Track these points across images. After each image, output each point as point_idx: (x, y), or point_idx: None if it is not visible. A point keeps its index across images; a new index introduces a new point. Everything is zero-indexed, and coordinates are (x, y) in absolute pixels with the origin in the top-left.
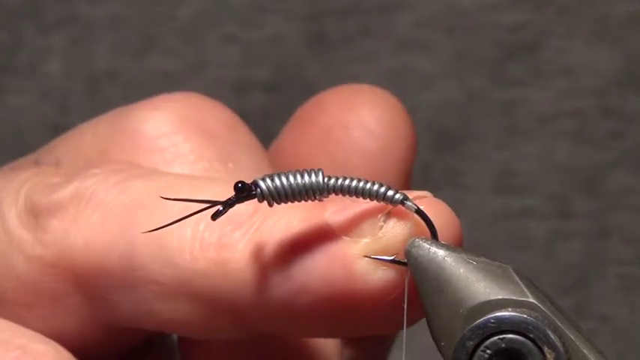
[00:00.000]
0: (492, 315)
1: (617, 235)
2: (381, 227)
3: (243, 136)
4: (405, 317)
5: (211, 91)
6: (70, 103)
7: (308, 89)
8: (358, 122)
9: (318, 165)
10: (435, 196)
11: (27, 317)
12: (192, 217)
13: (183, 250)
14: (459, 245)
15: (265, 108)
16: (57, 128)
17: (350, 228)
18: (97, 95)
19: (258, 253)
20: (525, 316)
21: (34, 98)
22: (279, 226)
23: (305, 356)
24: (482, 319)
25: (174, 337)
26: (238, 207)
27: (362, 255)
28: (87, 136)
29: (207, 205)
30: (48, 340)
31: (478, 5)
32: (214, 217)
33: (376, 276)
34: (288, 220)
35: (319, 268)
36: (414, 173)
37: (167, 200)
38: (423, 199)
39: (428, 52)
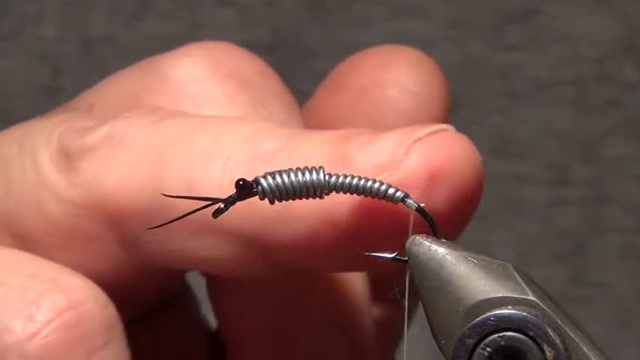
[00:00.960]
0: (492, 313)
1: (615, 202)
2: (401, 161)
3: (276, 85)
4: (405, 318)
5: None
6: (63, 67)
7: (304, 53)
8: (394, 81)
9: (352, 123)
10: None
11: (59, 259)
12: (221, 153)
13: (212, 187)
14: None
15: None
16: (48, 91)
17: (371, 162)
18: (91, 59)
19: None
20: (525, 314)
21: (24, 61)
22: (306, 163)
23: (334, 303)
24: (481, 317)
25: (197, 292)
26: (263, 145)
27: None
28: (119, 84)
29: (209, 202)
30: (79, 274)
31: None
32: (215, 214)
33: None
34: (314, 156)
35: (343, 203)
36: None
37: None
38: (443, 133)
39: (425, 17)
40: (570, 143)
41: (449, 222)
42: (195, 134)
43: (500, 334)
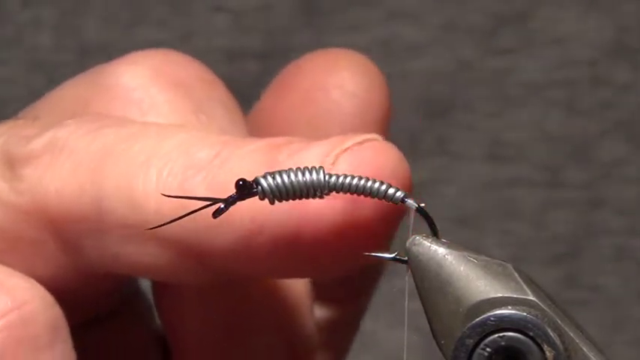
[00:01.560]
0: (492, 313)
1: (609, 205)
2: (331, 169)
3: (218, 91)
4: (406, 317)
5: (202, 60)
6: (59, 75)
7: (298, 57)
8: (337, 84)
9: (296, 127)
10: (425, 164)
11: (6, 262)
12: (157, 161)
13: (148, 194)
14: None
15: (256, 76)
16: None
17: None
18: (86, 67)
19: (217, 196)
20: (525, 314)
21: (21, 69)
22: (237, 172)
23: (275, 306)
24: (481, 317)
25: (150, 297)
26: (198, 153)
27: None
28: (67, 92)
29: (209, 202)
30: (24, 276)
31: None
32: (215, 214)
33: (325, 216)
34: (246, 164)
35: (275, 209)
36: (403, 141)
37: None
38: (370, 143)
39: (418, 20)
40: (563, 146)
41: (376, 231)
42: (134, 142)
43: (501, 335)
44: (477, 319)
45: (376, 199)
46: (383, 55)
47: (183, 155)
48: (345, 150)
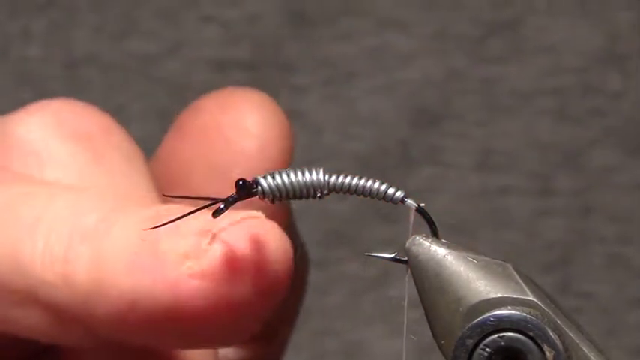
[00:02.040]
0: (492, 313)
1: (600, 212)
2: (206, 251)
3: (118, 139)
4: (405, 317)
5: (190, 70)
6: (48, 87)
7: (286, 68)
8: (233, 123)
9: (195, 169)
10: (417, 174)
11: None
12: (44, 226)
13: (34, 260)
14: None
15: (246, 87)
16: None
17: (178, 248)
18: (75, 79)
19: (97, 268)
20: (525, 314)
21: (9, 81)
22: (119, 243)
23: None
24: (481, 317)
25: None
26: (85, 218)
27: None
28: None
29: (209, 202)
30: None
31: None
32: (215, 214)
33: (198, 296)
34: (127, 237)
35: (149, 286)
36: (395, 151)
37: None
38: (247, 221)
39: (407, 29)
40: (554, 154)
41: (254, 310)
42: (23, 204)
43: (500, 335)
44: (477, 320)
45: (254, 279)
46: (373, 64)
47: (70, 219)
48: (222, 230)
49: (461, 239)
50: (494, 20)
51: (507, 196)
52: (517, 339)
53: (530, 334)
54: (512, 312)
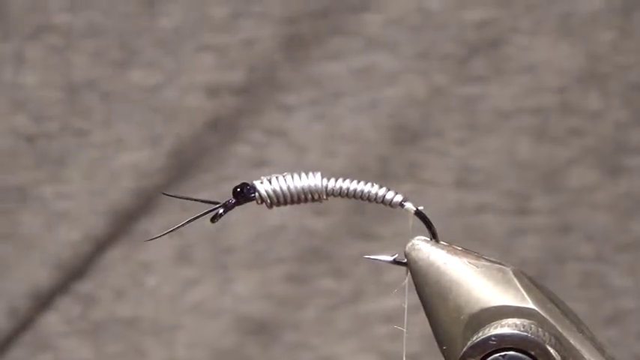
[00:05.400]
0: (493, 333)
1: (577, 231)
2: None
3: None
4: (405, 317)
5: (185, 96)
6: (45, 113)
7: (280, 88)
8: None
9: None
10: (395, 189)
11: None
12: None
13: None
14: None
15: (238, 111)
16: (32, 139)
17: None
18: (75, 105)
19: None
20: (526, 333)
21: (2, 108)
22: None
23: None
24: (483, 337)
25: None
26: None
27: None
28: None
29: (208, 209)
30: None
31: (445, 4)
32: (213, 219)
33: None
34: None
35: None
36: (374, 167)
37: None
38: None
39: (393, 49)
40: (533, 173)
41: None
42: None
43: (502, 354)
44: (479, 339)
45: None
46: (359, 84)
47: None
48: None
49: None
50: (477, 40)
51: (484, 214)
52: (519, 358)
53: (532, 353)
54: (514, 332)
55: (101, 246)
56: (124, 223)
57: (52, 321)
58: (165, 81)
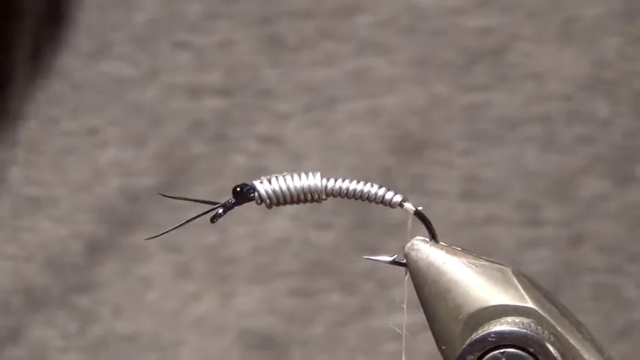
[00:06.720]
0: (492, 330)
1: (589, 242)
2: None
3: None
4: (405, 318)
5: (165, 97)
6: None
7: (266, 93)
8: None
9: None
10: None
11: None
12: None
13: None
14: None
15: (220, 113)
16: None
17: None
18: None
19: None
20: (525, 330)
21: None
22: None
23: None
24: (482, 334)
25: None
26: None
27: None
28: None
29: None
30: None
31: (442, 8)
32: (213, 220)
33: None
34: None
35: None
36: (378, 179)
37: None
38: None
39: (389, 55)
40: (541, 182)
41: None
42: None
43: (501, 351)
44: (478, 336)
45: None
46: (354, 89)
47: None
48: None
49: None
50: (479, 47)
51: (493, 226)
52: (518, 355)
53: (531, 350)
54: (513, 329)
55: (94, 250)
56: (117, 231)
57: (50, 336)
58: (140, 77)
